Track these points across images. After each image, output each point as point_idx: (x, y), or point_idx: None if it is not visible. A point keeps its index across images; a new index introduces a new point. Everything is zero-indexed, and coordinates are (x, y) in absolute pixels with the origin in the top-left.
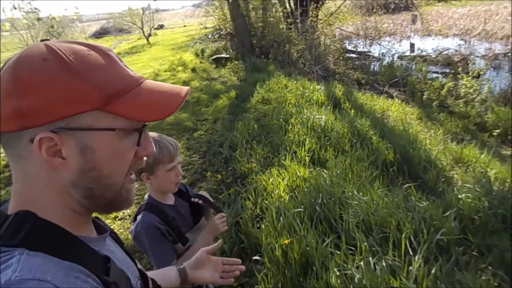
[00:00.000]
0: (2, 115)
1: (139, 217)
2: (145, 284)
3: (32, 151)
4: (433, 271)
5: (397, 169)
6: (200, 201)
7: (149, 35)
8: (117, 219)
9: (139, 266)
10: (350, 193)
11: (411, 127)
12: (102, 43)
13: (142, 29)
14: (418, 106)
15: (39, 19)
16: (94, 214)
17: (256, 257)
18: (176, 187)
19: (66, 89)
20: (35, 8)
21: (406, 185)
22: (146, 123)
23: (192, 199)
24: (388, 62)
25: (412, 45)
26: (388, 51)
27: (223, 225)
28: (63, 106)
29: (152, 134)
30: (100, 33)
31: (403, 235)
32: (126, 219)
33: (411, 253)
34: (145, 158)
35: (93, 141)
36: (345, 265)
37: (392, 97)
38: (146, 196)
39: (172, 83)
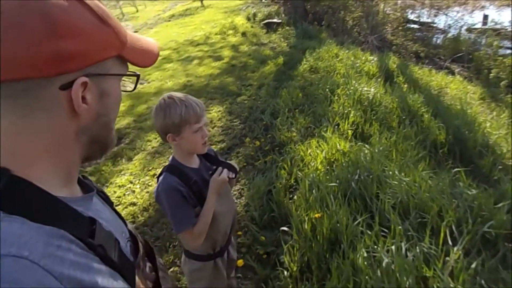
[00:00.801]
0: (34, 60)
1: (160, 178)
2: (135, 245)
3: (59, 98)
4: (473, 265)
5: (447, 151)
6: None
7: None
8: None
9: (129, 227)
10: (390, 172)
11: (470, 107)
12: (158, 5)
13: None
14: (483, 85)
15: None
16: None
17: (284, 228)
18: (205, 148)
19: (101, 35)
20: None
21: (456, 170)
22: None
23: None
24: (453, 35)
25: (485, 17)
26: (456, 23)
27: (223, 177)
28: (98, 51)
29: (177, 94)
30: None
31: (444, 222)
32: None
33: (450, 243)
34: None
35: (109, 86)
36: (374, 247)
37: (453, 73)
38: (170, 158)
39: (221, 46)
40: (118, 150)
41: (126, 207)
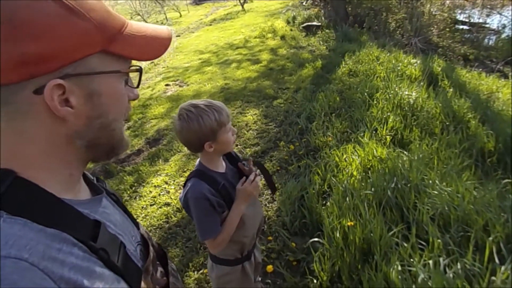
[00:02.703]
0: (1, 66)
1: (189, 183)
2: (146, 249)
3: (35, 103)
4: None
5: (496, 160)
6: (245, 166)
7: (245, 1)
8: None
9: (141, 230)
10: (430, 181)
11: None
12: (200, 9)
13: None
14: None
15: None
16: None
17: (315, 239)
18: (234, 145)
19: (72, 31)
20: None
21: (506, 181)
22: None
23: (239, 163)
24: (508, 35)
25: None
26: (511, 22)
27: (256, 186)
28: (71, 50)
29: (199, 101)
30: (200, 0)
31: (491, 238)
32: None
33: (497, 261)
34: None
35: (100, 85)
36: (410, 260)
37: (506, 77)
38: (196, 163)
39: (259, 50)
40: (155, 151)
41: (160, 207)
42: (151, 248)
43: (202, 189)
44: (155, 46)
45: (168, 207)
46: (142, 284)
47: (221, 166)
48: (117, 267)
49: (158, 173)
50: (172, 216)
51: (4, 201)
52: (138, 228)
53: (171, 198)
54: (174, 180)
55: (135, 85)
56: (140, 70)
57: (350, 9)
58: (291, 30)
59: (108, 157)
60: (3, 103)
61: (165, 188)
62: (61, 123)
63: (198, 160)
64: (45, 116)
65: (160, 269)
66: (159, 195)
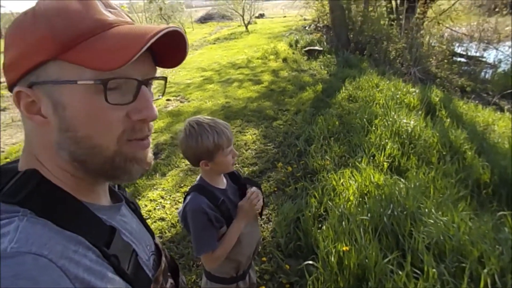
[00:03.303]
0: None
1: (188, 197)
2: (158, 259)
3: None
4: None
5: (492, 192)
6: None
7: (249, 23)
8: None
9: (156, 240)
10: (426, 210)
11: None
12: (205, 28)
13: (242, 16)
14: None
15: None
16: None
17: (310, 262)
18: (233, 166)
19: (28, 38)
20: None
21: (501, 213)
22: (142, 79)
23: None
24: (504, 70)
25: None
26: (507, 58)
27: (257, 202)
28: (27, 56)
29: (205, 119)
30: (205, 19)
31: (486, 270)
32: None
33: None
34: (151, 124)
35: (62, 96)
36: None
37: (502, 110)
38: (197, 178)
39: (261, 71)
40: (153, 165)
41: (155, 222)
42: (163, 258)
43: (201, 203)
44: (118, 53)
45: (163, 222)
46: None
47: (222, 182)
48: (126, 274)
49: (155, 187)
50: (166, 231)
51: (29, 201)
52: (154, 238)
53: (166, 213)
54: (170, 195)
55: (131, 99)
56: (103, 82)
57: (352, 36)
58: (293, 53)
59: (104, 179)
60: None
61: (160, 202)
62: (42, 131)
63: (199, 175)
64: (29, 122)
65: (170, 280)
66: (154, 209)
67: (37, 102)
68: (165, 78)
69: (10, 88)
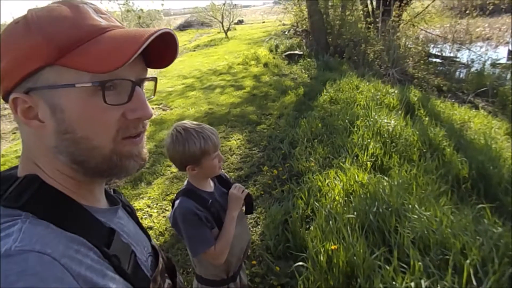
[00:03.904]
0: None
1: (176, 202)
2: (156, 260)
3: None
4: None
5: (471, 186)
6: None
7: (228, 29)
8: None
9: (153, 242)
10: (410, 206)
11: (495, 142)
12: (184, 35)
13: (221, 23)
14: (509, 120)
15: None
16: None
17: (300, 263)
18: (220, 170)
19: (22, 46)
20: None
21: (480, 206)
22: (136, 80)
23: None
24: (477, 69)
25: (510, 52)
26: (479, 57)
27: (242, 191)
28: (21, 64)
29: (191, 125)
30: (184, 26)
31: (468, 261)
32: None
33: (474, 283)
34: (147, 122)
35: (60, 99)
36: (393, 283)
37: (476, 108)
38: (185, 182)
39: (243, 76)
40: (138, 174)
41: None
42: (160, 259)
43: (189, 205)
44: (114, 55)
45: (151, 231)
46: None
47: (209, 186)
48: (127, 274)
49: (141, 197)
50: (155, 240)
51: (31, 205)
52: (150, 240)
53: (153, 221)
54: (157, 204)
55: (126, 99)
56: (102, 84)
57: (330, 39)
58: (274, 58)
59: (101, 177)
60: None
61: (147, 211)
62: (40, 135)
63: (187, 179)
64: (26, 127)
65: (168, 281)
66: (141, 218)
67: (34, 108)
68: (155, 79)
69: (4, 97)
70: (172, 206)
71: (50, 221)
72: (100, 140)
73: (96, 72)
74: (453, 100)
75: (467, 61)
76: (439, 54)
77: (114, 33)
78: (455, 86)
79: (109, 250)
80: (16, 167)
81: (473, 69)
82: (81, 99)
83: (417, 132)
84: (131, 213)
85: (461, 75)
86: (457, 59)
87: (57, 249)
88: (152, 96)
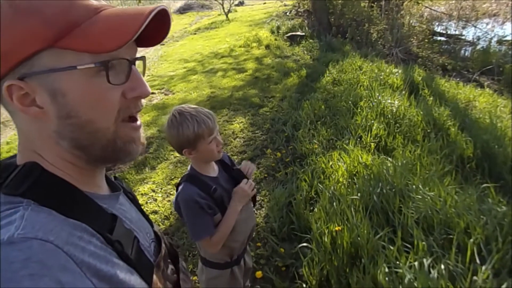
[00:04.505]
0: None
1: (180, 187)
2: (158, 246)
3: (9, 103)
4: (503, 287)
5: (475, 166)
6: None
7: (229, 11)
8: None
9: (155, 228)
10: (414, 186)
11: (500, 121)
12: (184, 18)
13: (222, 5)
14: None
15: None
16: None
17: (304, 244)
18: (220, 154)
19: (16, 30)
20: None
21: (484, 185)
22: (131, 59)
23: (235, 167)
24: (483, 47)
25: None
26: (485, 35)
27: (252, 188)
28: (16, 48)
29: (188, 108)
30: (184, 9)
31: (472, 240)
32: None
33: (478, 261)
34: (143, 101)
35: (60, 83)
36: (396, 262)
37: (482, 86)
38: (188, 167)
39: (245, 59)
40: (142, 159)
41: (148, 215)
42: (163, 245)
43: (191, 192)
44: (116, 33)
45: (156, 215)
46: (154, 277)
47: (213, 170)
48: (130, 259)
49: (145, 181)
50: (160, 224)
51: (32, 192)
52: (152, 226)
53: (158, 206)
54: (161, 188)
55: (124, 79)
56: (104, 64)
57: (333, 19)
58: (275, 39)
59: (104, 163)
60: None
61: (152, 196)
62: (39, 122)
63: (190, 164)
64: (23, 115)
65: (171, 266)
66: (146, 203)
67: (30, 94)
68: (144, 58)
69: None
70: (176, 190)
71: (52, 207)
72: (103, 122)
73: (98, 53)
74: (458, 79)
75: (473, 38)
76: (444, 32)
77: (109, 12)
78: (460, 65)
79: (112, 236)
80: (16, 155)
81: (478, 47)
82: (83, 81)
83: (421, 112)
84: (133, 199)
85: (466, 53)
86: (463, 37)
87: (60, 236)
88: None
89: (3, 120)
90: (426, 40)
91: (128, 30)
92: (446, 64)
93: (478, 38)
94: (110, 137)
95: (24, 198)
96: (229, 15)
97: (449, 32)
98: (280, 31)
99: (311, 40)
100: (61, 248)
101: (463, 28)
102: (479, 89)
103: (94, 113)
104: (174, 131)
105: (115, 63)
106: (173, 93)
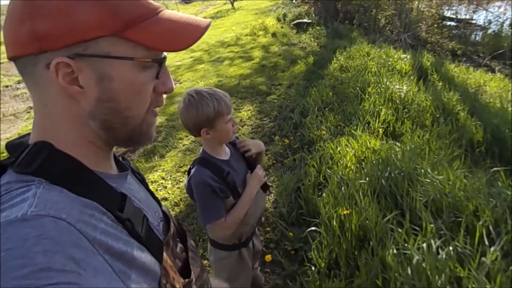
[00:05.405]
0: (18, 39)
1: (192, 170)
2: (167, 225)
3: (49, 77)
4: None
5: (485, 150)
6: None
7: (234, 0)
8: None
9: (164, 208)
10: (422, 170)
11: (511, 105)
12: (190, 8)
13: None
14: None
15: None
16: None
17: (313, 228)
18: (234, 135)
19: (83, 12)
20: None
21: (494, 169)
22: (165, 56)
23: (246, 154)
24: (494, 31)
25: None
26: (497, 18)
27: (264, 175)
28: (80, 30)
29: (203, 88)
30: None
31: (480, 222)
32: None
33: (487, 243)
34: (164, 96)
35: (111, 69)
36: (405, 244)
37: (493, 71)
38: (200, 151)
39: (251, 47)
40: (151, 147)
41: None
42: (172, 224)
43: (204, 175)
44: (180, 37)
45: (166, 202)
46: (164, 255)
47: (224, 153)
48: (141, 237)
49: (155, 169)
50: (170, 210)
51: (43, 170)
52: (161, 206)
53: (168, 193)
54: (171, 175)
55: (160, 76)
56: (159, 61)
57: (340, 6)
58: (282, 27)
59: (126, 145)
60: (21, 73)
61: (162, 183)
62: (73, 101)
63: (201, 148)
64: (59, 92)
65: (180, 245)
66: (156, 190)
67: (75, 73)
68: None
69: (30, 54)
70: (188, 174)
71: (63, 186)
72: (138, 111)
73: (159, 50)
74: (468, 64)
75: (484, 22)
76: (454, 16)
77: (169, 15)
78: (470, 50)
79: (122, 214)
80: (27, 134)
81: (490, 31)
82: (133, 72)
83: (430, 97)
84: (141, 180)
85: (477, 38)
86: (473, 21)
87: (72, 214)
88: None
89: (14, 112)
90: (435, 25)
91: (189, 37)
92: (456, 49)
93: (490, 22)
94: (138, 123)
95: (36, 177)
96: (235, 4)
97: (459, 17)
98: (286, 18)
99: (318, 27)
100: (73, 225)
101: (474, 12)
102: (490, 73)
103: (133, 103)
104: (193, 110)
105: (163, 61)
106: (180, 83)
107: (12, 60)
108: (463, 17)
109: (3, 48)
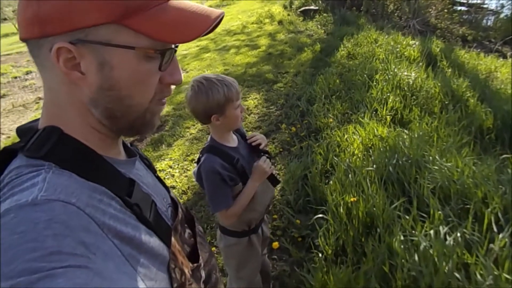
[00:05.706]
0: (23, 21)
1: (202, 158)
2: (175, 211)
3: (53, 61)
4: None
5: (495, 137)
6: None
7: None
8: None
9: (172, 194)
10: (430, 157)
11: None
12: None
13: None
14: None
15: None
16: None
17: (320, 215)
18: (241, 121)
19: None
20: None
21: (504, 156)
22: (174, 47)
23: (252, 143)
24: (506, 15)
25: None
26: (509, 2)
27: (270, 166)
28: (81, 15)
29: (211, 75)
30: None
31: (489, 209)
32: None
33: (495, 230)
34: (172, 87)
35: (112, 57)
36: (412, 231)
37: (504, 57)
38: (208, 138)
39: (258, 35)
40: (158, 137)
41: None
42: (180, 210)
43: (214, 163)
44: (187, 28)
45: (174, 190)
46: (172, 240)
47: (232, 140)
48: (149, 222)
49: (162, 158)
50: (178, 198)
51: (53, 155)
52: (169, 192)
53: (176, 181)
54: (178, 164)
55: (164, 67)
56: (161, 53)
57: None
58: (288, 15)
59: (129, 134)
60: (31, 54)
61: (169, 172)
62: (76, 87)
63: (209, 136)
64: (62, 76)
65: (188, 230)
66: (164, 179)
67: (77, 58)
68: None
69: (34, 38)
70: (197, 162)
71: (72, 170)
72: (140, 100)
73: (164, 41)
74: (478, 50)
75: (496, 7)
76: (464, 1)
77: (178, 4)
78: (481, 35)
79: (131, 199)
80: (37, 120)
81: (502, 16)
82: (135, 62)
83: (439, 84)
84: (149, 166)
85: (489, 23)
86: (485, 6)
87: (81, 198)
88: None
89: (23, 103)
90: (445, 10)
91: (197, 29)
92: (467, 34)
93: (502, 6)
94: (141, 113)
95: (45, 161)
96: None
97: (470, 1)
98: (293, 6)
99: (324, 14)
100: (82, 210)
101: None
102: (501, 59)
103: (135, 92)
104: (203, 96)
105: (167, 52)
106: (187, 72)
107: (23, 41)
108: (475, 1)
109: (8, 40)
